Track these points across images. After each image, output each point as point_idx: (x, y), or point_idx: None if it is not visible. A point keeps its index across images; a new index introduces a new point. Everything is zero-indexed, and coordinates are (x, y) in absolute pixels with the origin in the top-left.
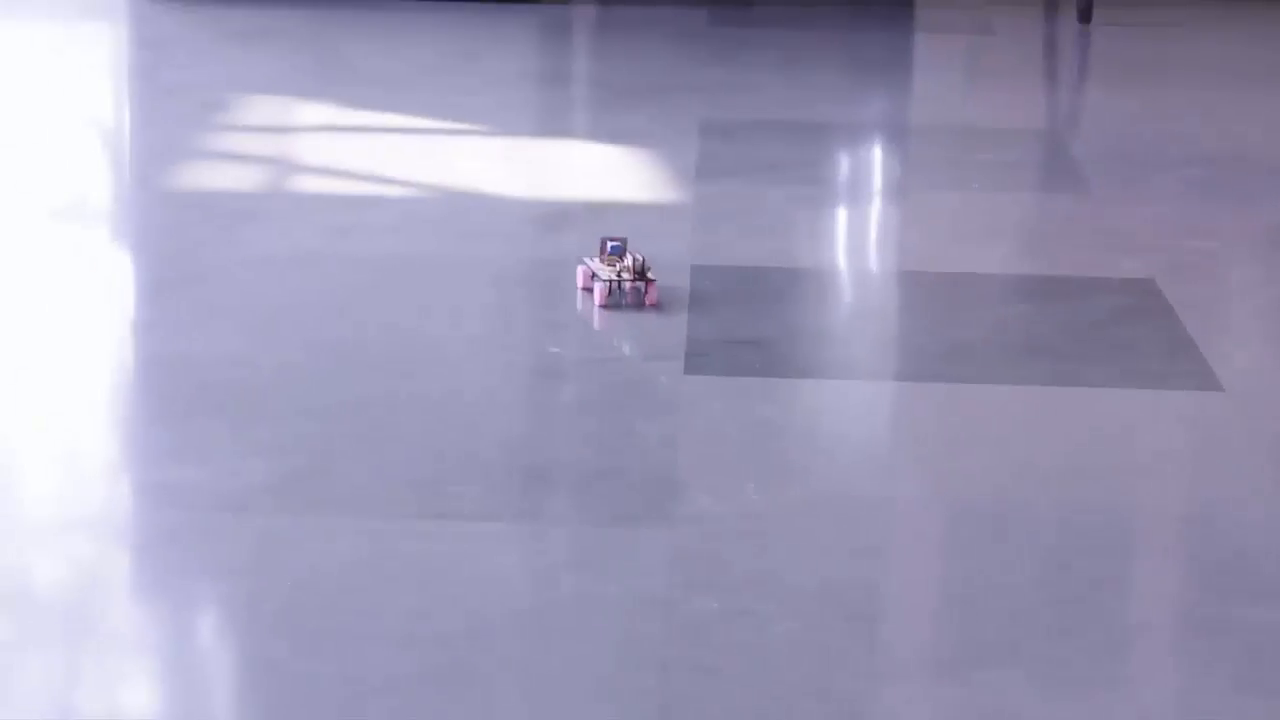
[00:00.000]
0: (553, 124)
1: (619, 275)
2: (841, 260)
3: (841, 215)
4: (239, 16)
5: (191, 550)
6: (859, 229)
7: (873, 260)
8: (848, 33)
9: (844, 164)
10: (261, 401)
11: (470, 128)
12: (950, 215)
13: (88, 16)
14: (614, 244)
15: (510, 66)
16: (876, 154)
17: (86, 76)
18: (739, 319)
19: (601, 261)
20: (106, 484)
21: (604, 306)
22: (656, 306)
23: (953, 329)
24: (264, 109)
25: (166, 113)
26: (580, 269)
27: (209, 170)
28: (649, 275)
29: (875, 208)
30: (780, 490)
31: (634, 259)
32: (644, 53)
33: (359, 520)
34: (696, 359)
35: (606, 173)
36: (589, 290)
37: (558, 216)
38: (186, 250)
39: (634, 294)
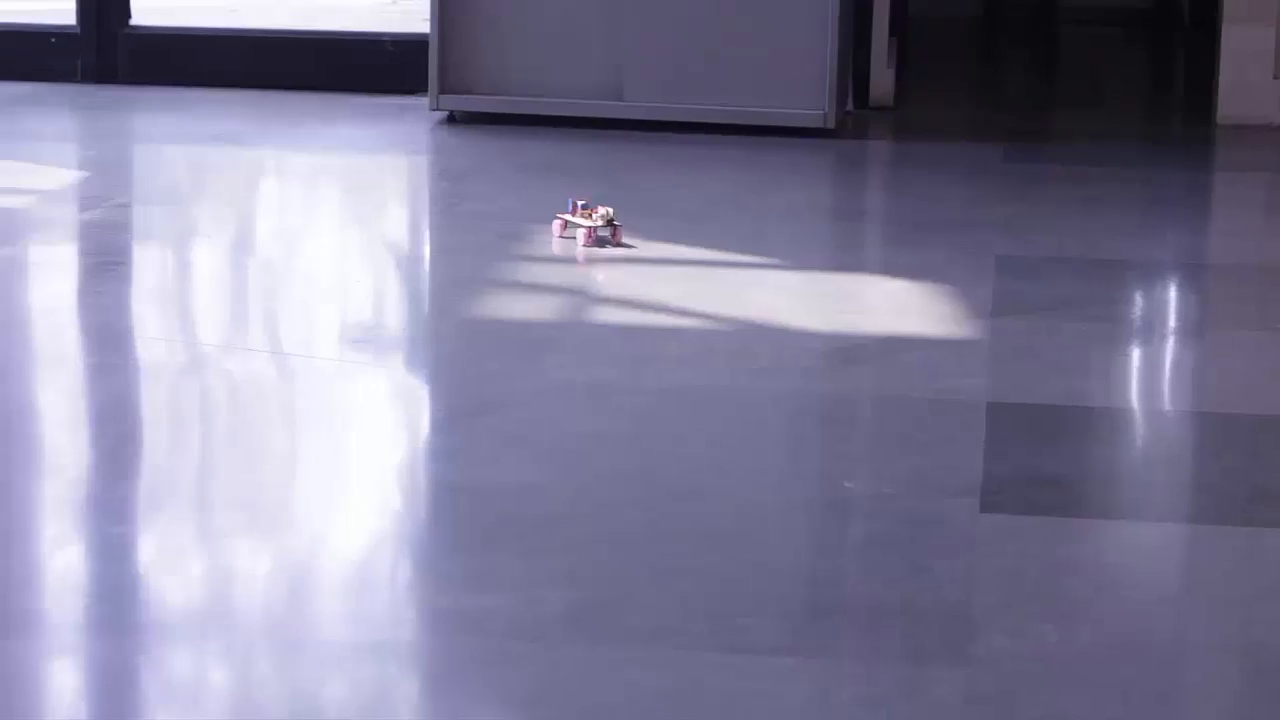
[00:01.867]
0: (847, 257)
1: (598, 223)
2: (1139, 400)
3: (1139, 354)
4: (536, 148)
5: (484, 678)
6: (1156, 368)
7: (1171, 400)
8: (1145, 168)
9: (1141, 302)
10: (556, 531)
11: (764, 260)
12: (1250, 355)
13: (390, 148)
14: (579, 200)
15: (805, 199)
16: (1174, 292)
17: (388, 206)
18: (1035, 457)
19: (576, 215)
20: (401, 609)
21: (587, 246)
22: (623, 244)
23: (1255, 472)
24: (560, 240)
25: (466, 242)
26: (555, 223)
27: (507, 300)
28: (616, 222)
29: (1173, 346)
30: (1076, 632)
31: (604, 210)
32: (939, 187)
33: (651, 652)
34: (992, 497)
35: (901, 307)
36: (565, 238)
37: (852, 351)
38: (483, 379)
39: (613, 234)
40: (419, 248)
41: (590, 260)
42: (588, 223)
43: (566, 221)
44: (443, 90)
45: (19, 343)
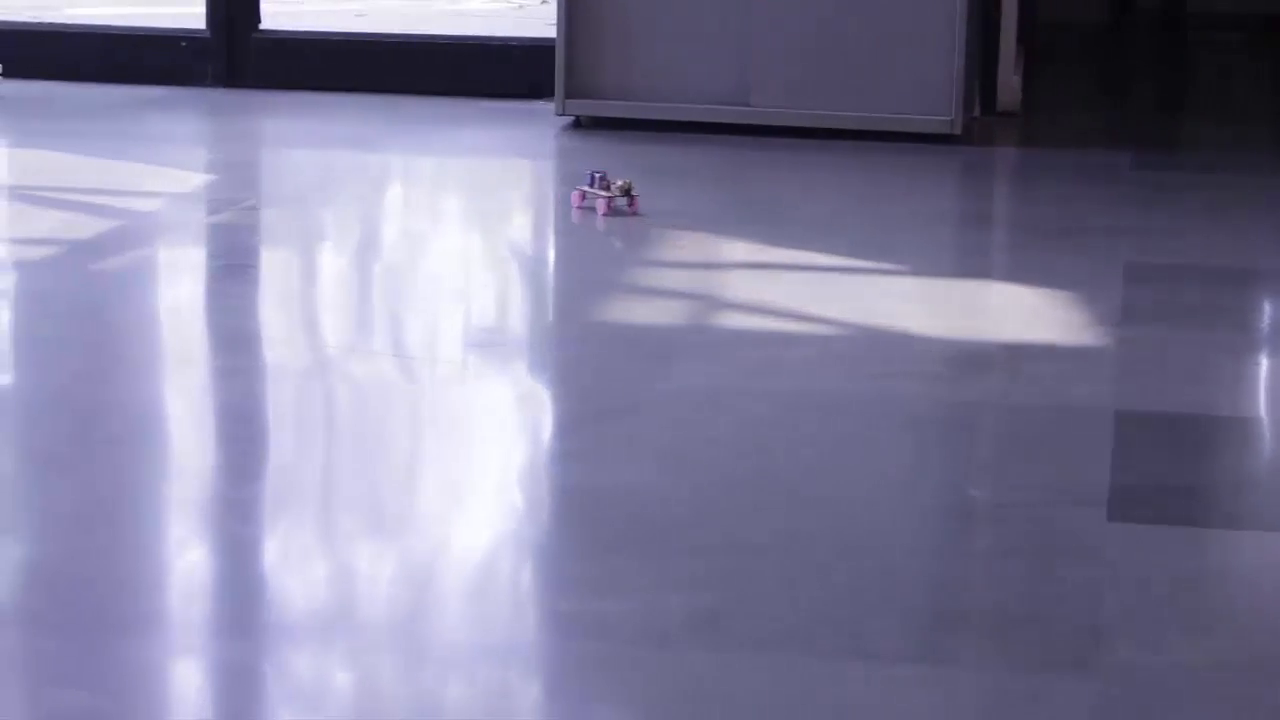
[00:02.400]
0: (973, 264)
1: (615, 193)
2: (1268, 409)
3: (1268, 363)
4: (662, 152)
5: (607, 683)
6: None
7: None
8: (1275, 176)
9: (1271, 310)
10: (680, 536)
11: (890, 266)
12: None
13: (516, 153)
14: (599, 173)
15: (930, 205)
16: None
17: (513, 210)
18: (1163, 466)
19: (595, 187)
20: (524, 613)
21: (605, 215)
22: (638, 213)
23: None
24: (687, 245)
25: (590, 247)
26: (574, 194)
27: (632, 305)
28: (633, 193)
29: None
30: (1205, 644)
31: (623, 182)
32: (1066, 194)
33: (775, 658)
34: (1120, 506)
35: (1027, 315)
36: (583, 209)
37: (977, 358)
38: (608, 383)
39: (631, 204)
40: (543, 252)
41: (610, 225)
42: (606, 194)
43: (584, 192)
44: (569, 95)
45: (148, 345)
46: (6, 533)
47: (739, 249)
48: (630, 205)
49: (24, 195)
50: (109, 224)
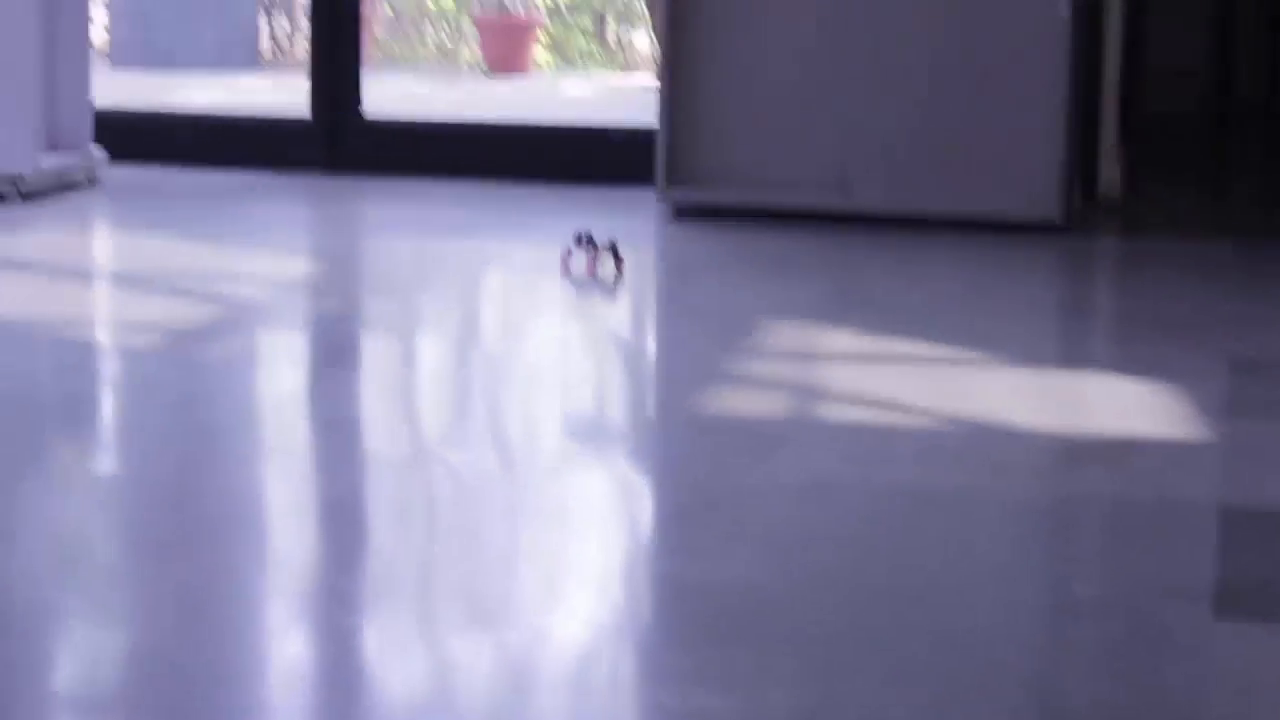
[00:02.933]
0: (1076, 355)
1: (600, 252)
2: None
3: None
4: (763, 241)
5: None
6: None
7: None
8: None
9: None
10: (783, 629)
11: (992, 357)
12: None
13: (620, 239)
14: (584, 233)
15: (1033, 296)
16: None
17: (612, 298)
18: (1271, 563)
19: (580, 249)
20: (625, 706)
21: (590, 274)
22: (621, 275)
23: None
24: (789, 335)
25: (692, 336)
26: (561, 252)
27: (733, 395)
28: (619, 254)
29: None
30: None
31: (609, 241)
32: (1169, 284)
33: None
34: (1225, 603)
35: (1132, 407)
36: (569, 267)
37: (1080, 451)
38: (710, 474)
39: (617, 263)
40: (644, 341)
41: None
42: (590, 253)
43: (570, 251)
44: (670, 183)
45: (250, 433)
46: (110, 620)
47: (840, 339)
48: (617, 265)
49: (131, 281)
50: (214, 311)
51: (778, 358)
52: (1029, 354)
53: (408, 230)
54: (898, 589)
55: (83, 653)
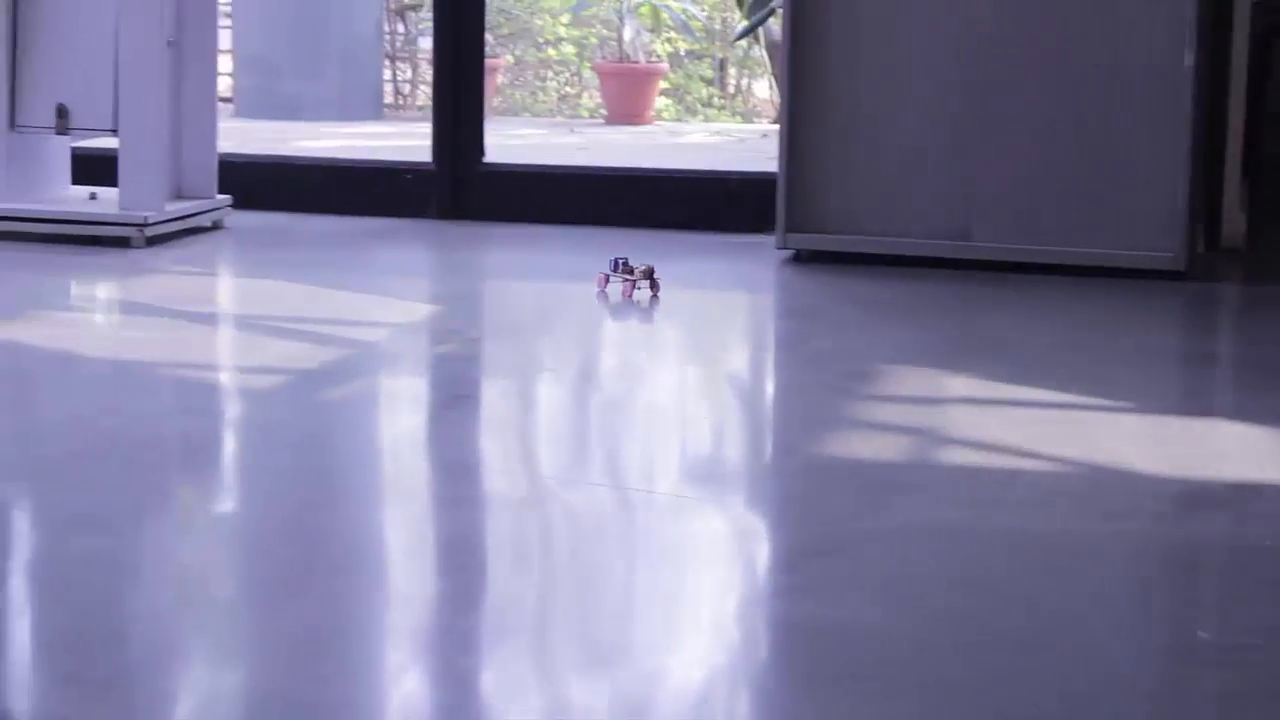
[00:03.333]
0: (1197, 402)
1: (637, 277)
2: None
3: None
4: (883, 287)
5: None
6: None
7: None
8: None
9: None
10: (903, 675)
11: (1114, 404)
12: None
13: (736, 286)
14: (621, 259)
15: (1154, 342)
16: None
17: (732, 343)
18: None
19: (618, 273)
20: None
21: (627, 298)
22: (658, 299)
23: None
24: (909, 380)
25: (812, 381)
26: (598, 277)
27: (853, 439)
28: (656, 277)
29: None
30: None
31: (645, 267)
32: None
33: None
34: None
35: (1254, 454)
36: (605, 293)
37: (1203, 497)
38: (828, 519)
39: (653, 288)
40: (762, 385)
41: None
42: (630, 278)
43: (608, 277)
44: (789, 229)
45: (371, 475)
46: (233, 659)
47: (961, 383)
48: (653, 290)
49: (253, 324)
50: (335, 353)
51: (897, 402)
52: (1151, 400)
53: (528, 276)
54: (1019, 635)
55: (204, 692)
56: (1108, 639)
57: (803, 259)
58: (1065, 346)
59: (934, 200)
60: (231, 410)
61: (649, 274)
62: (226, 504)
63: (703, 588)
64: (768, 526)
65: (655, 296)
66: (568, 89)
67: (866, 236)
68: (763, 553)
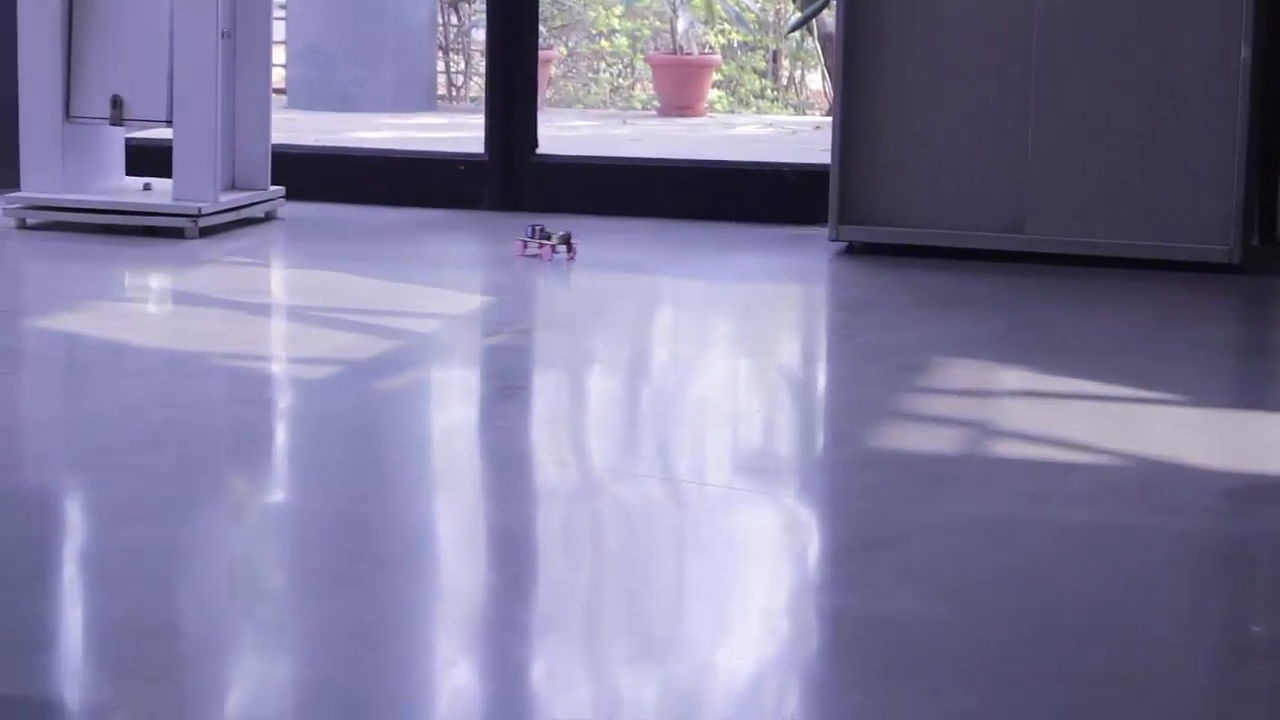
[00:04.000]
0: (1252, 396)
1: (555, 242)
2: None
3: None
4: (935, 280)
5: None
6: None
7: None
8: None
9: None
10: (956, 669)
11: (1168, 397)
12: None
13: (788, 278)
14: (537, 225)
15: (1208, 335)
16: None
17: (784, 335)
18: None
19: (534, 239)
20: None
21: (548, 259)
22: (574, 259)
23: None
24: (961, 372)
25: (864, 373)
26: (516, 243)
27: (905, 432)
28: (573, 242)
29: None
30: None
31: (563, 233)
32: None
33: None
34: None
35: None
36: (526, 255)
37: (1258, 491)
38: (880, 511)
39: (570, 251)
40: (814, 377)
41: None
42: (546, 242)
43: (525, 243)
44: (842, 221)
45: (422, 466)
46: (284, 650)
47: (1013, 376)
48: (569, 253)
49: (306, 315)
50: (387, 345)
51: (949, 394)
52: (1205, 394)
53: (580, 267)
54: (1072, 628)
55: (254, 684)
56: (1162, 634)
57: (855, 251)
58: (1119, 340)
59: (987, 193)
60: (284, 401)
61: (566, 239)
62: (278, 495)
63: (753, 580)
64: (818, 519)
65: (571, 258)
66: (620, 81)
67: (919, 229)
68: (813, 545)
